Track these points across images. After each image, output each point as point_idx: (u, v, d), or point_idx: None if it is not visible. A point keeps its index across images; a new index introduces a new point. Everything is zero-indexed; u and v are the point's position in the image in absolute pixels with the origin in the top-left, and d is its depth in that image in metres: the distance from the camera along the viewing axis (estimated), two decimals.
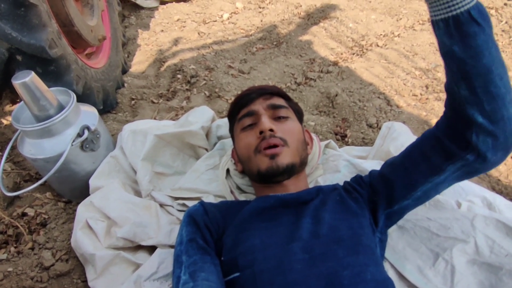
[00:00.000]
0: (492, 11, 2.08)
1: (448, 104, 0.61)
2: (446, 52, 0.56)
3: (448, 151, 0.62)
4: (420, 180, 0.68)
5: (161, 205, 0.96)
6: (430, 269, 0.77)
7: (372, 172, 0.80)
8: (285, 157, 0.77)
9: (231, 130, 0.94)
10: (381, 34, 2.05)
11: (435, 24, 0.55)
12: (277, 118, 0.84)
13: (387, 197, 0.74)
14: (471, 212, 0.83)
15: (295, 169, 0.80)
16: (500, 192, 1.15)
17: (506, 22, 1.98)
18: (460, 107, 0.58)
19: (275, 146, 0.78)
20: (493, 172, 1.23)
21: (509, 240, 0.77)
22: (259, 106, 0.85)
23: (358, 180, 0.81)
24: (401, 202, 0.73)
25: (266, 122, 0.80)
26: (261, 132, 0.80)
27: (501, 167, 1.24)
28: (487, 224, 0.79)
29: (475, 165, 0.62)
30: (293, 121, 0.86)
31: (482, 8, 0.54)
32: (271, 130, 0.79)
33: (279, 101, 0.87)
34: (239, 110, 0.88)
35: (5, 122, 1.40)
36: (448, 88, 0.59)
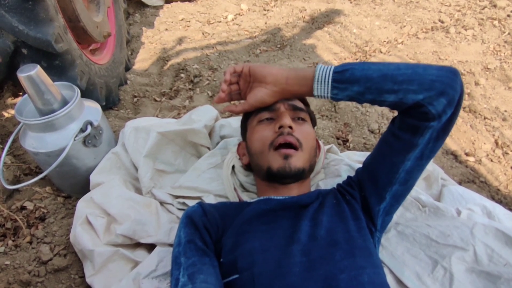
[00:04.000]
0: (496, 22, 2.09)
1: (399, 113, 0.70)
2: (354, 98, 0.69)
3: (414, 126, 0.67)
4: (398, 159, 0.72)
5: (162, 203, 0.96)
6: (428, 276, 0.77)
7: (357, 170, 0.83)
8: (298, 161, 0.78)
9: (244, 122, 0.93)
10: (384, 41, 2.06)
11: (329, 97, 0.71)
12: (296, 119, 0.85)
13: (375, 188, 0.76)
14: (470, 220, 0.83)
15: (303, 174, 0.81)
16: (499, 202, 1.15)
17: (509, 33, 1.99)
18: (404, 105, 0.66)
19: (290, 145, 0.79)
20: (493, 182, 1.23)
21: (508, 249, 0.77)
22: (280, 103, 0.85)
23: (349, 181, 0.83)
24: (389, 189, 0.74)
25: (287, 118, 0.81)
26: (280, 127, 0.80)
27: (501, 177, 1.24)
28: (487, 233, 0.80)
29: (439, 128, 0.67)
30: (309, 126, 0.87)
31: (340, 76, 0.68)
32: (290, 127, 0.80)
33: (300, 104, 0.88)
34: None
35: (6, 115, 1.40)
36: (391, 106, 0.69)
